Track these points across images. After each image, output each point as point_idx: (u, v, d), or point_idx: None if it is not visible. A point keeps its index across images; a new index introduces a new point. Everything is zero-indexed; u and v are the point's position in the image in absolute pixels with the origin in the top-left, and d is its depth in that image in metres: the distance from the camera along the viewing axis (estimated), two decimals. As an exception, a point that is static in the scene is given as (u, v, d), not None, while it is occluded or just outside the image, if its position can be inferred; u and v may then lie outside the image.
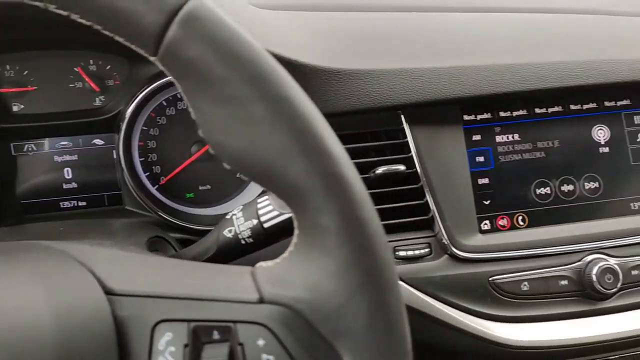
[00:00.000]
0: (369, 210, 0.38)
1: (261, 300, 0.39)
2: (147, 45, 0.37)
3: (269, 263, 0.41)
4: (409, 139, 0.75)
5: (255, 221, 0.56)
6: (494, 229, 0.77)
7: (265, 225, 0.56)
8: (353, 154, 0.75)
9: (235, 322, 0.38)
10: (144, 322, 0.39)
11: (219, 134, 0.38)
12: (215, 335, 0.38)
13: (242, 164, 0.38)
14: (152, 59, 0.38)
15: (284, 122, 0.37)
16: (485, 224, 0.77)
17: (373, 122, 0.76)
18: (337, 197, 0.37)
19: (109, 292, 0.40)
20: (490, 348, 0.72)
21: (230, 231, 0.58)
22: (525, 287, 0.74)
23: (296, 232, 0.40)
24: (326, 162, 0.37)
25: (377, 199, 0.74)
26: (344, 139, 0.75)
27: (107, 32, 0.38)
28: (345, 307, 0.37)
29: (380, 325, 0.38)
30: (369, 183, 0.74)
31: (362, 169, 0.74)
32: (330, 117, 0.72)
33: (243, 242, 0.57)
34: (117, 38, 0.38)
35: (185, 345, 0.38)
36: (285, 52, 0.70)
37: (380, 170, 0.73)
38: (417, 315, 0.72)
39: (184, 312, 0.39)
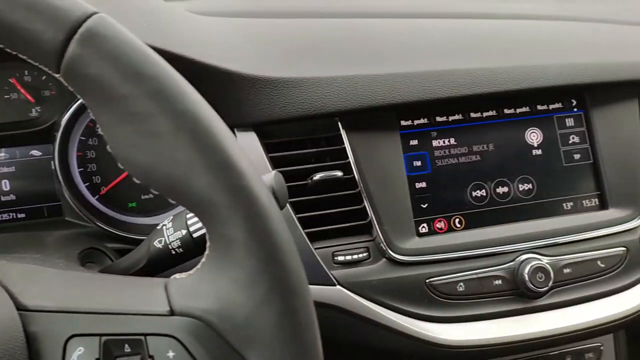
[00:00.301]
0: (275, 221, 0.39)
1: (172, 313, 0.39)
2: (49, 62, 0.37)
3: (183, 275, 0.42)
4: (346, 145, 0.76)
5: (184, 231, 0.57)
6: (432, 232, 0.79)
7: (194, 235, 0.56)
8: (292, 160, 0.76)
9: (146, 334, 0.39)
10: (56, 337, 0.39)
11: (126, 149, 0.38)
12: (127, 348, 0.39)
13: (150, 179, 0.39)
14: (56, 76, 0.38)
15: (187, 137, 0.37)
16: (423, 227, 0.79)
17: (311, 129, 0.77)
18: (241, 209, 0.37)
19: (21, 308, 0.40)
20: (427, 348, 0.74)
21: (160, 242, 0.58)
22: (461, 287, 0.76)
23: (207, 244, 0.41)
24: (230, 175, 0.37)
25: (315, 205, 0.76)
26: (283, 146, 0.76)
27: (10, 50, 0.38)
28: (253, 317, 0.38)
29: (287, 333, 0.38)
30: (308, 189, 0.75)
31: (300, 175, 0.75)
32: (267, 124, 0.74)
33: (173, 252, 0.57)
34: (21, 56, 0.39)
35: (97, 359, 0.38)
36: (219, 61, 0.70)
37: (317, 176, 0.74)
38: (355, 318, 0.73)
39: (95, 327, 0.39)
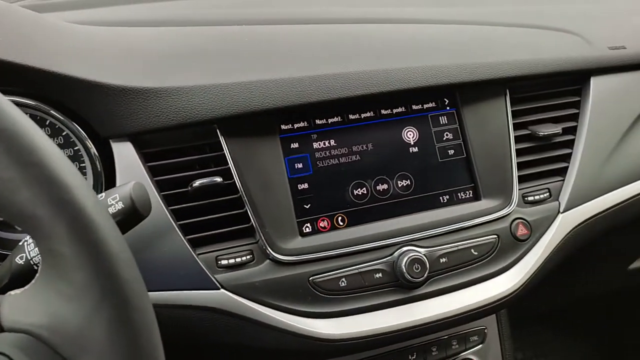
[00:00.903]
0: (103, 232, 0.40)
1: (1, 329, 0.40)
2: None
3: (18, 291, 0.42)
4: (225, 151, 0.77)
5: (44, 246, 0.56)
6: (315, 231, 0.82)
7: (55, 249, 0.56)
8: (171, 169, 0.77)
9: (-24, 352, 0.39)
10: None
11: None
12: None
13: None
14: None
15: (7, 154, 0.38)
16: (307, 227, 0.81)
17: (190, 137, 0.78)
18: (64, 222, 0.38)
19: None
20: (312, 344, 0.77)
21: (22, 258, 0.58)
22: (343, 283, 0.79)
23: (40, 259, 0.41)
24: (51, 190, 0.38)
25: (200, 211, 0.77)
26: (164, 154, 0.77)
27: None
28: (85, 328, 0.39)
29: (122, 341, 0.40)
30: (190, 196, 0.76)
31: (181, 183, 0.76)
32: (143, 134, 0.74)
33: (35, 267, 0.57)
34: None
35: None
36: (86, 72, 0.70)
37: (197, 183, 0.75)
38: (241, 320, 0.75)
39: None
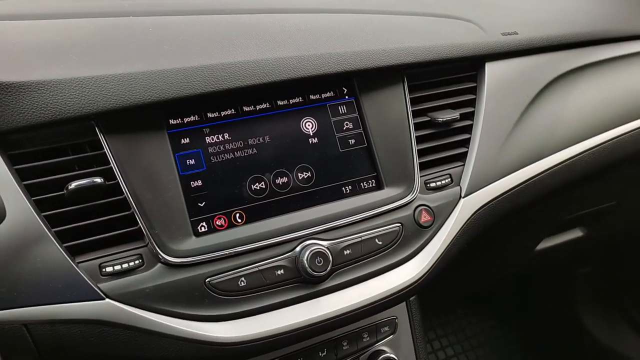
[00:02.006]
0: None
1: None
2: None
3: None
4: (106, 149, 0.72)
5: None
6: (212, 230, 0.77)
7: None
8: (44, 171, 0.70)
9: None
10: None
11: None
12: None
13: None
14: None
15: None
16: (202, 226, 0.77)
17: (68, 135, 0.71)
18: None
19: None
20: (212, 349, 0.73)
21: None
22: (242, 283, 0.75)
23: None
24: None
25: (78, 215, 0.70)
26: (37, 155, 0.70)
27: None
28: None
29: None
30: (66, 200, 0.70)
31: (57, 186, 0.70)
32: (9, 134, 0.67)
33: None
34: None
35: None
36: None
37: (73, 185, 0.69)
38: (130, 331, 0.69)
39: None
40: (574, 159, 1.04)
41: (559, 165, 1.02)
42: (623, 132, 1.09)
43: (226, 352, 0.73)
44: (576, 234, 1.48)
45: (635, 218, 1.52)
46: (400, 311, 0.97)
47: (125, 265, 0.70)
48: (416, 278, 0.85)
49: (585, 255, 1.86)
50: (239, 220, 0.79)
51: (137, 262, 0.71)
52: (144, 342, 0.70)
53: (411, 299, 0.99)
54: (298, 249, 0.79)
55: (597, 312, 1.91)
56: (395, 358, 0.91)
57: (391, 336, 0.96)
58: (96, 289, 0.68)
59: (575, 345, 1.91)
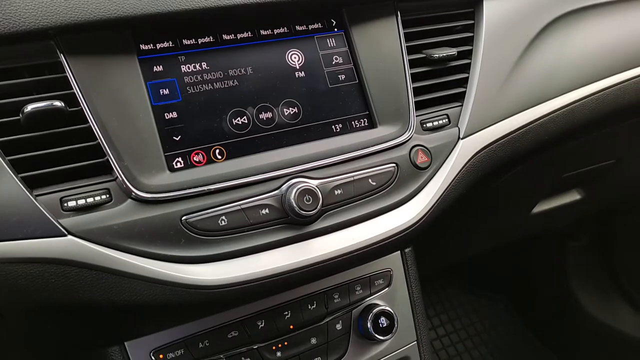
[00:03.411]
0: None
1: None
2: None
3: None
4: (68, 72, 0.64)
5: None
6: (189, 166, 0.70)
7: None
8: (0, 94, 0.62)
9: None
10: None
11: None
12: None
13: None
14: None
15: None
16: (178, 161, 0.69)
17: (23, 55, 0.63)
18: None
19: None
20: (189, 293, 0.65)
21: None
22: (223, 222, 0.68)
23: None
24: None
25: (36, 144, 0.62)
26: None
27: None
28: None
29: None
30: (24, 126, 0.62)
31: (10, 111, 0.62)
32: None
33: None
34: None
35: None
36: None
37: (29, 108, 0.61)
38: (96, 271, 0.62)
39: None
40: (576, 103, 0.98)
41: (561, 110, 0.96)
42: (628, 77, 1.03)
43: (206, 296, 0.66)
44: (573, 197, 1.43)
45: (633, 177, 1.46)
46: (395, 263, 0.91)
47: (90, 200, 0.63)
48: (413, 222, 0.79)
49: (580, 227, 1.81)
50: (219, 157, 0.72)
51: (104, 197, 0.64)
52: (111, 285, 0.63)
53: (407, 250, 0.92)
54: (285, 187, 0.72)
55: (591, 286, 1.87)
56: (391, 311, 0.84)
57: (386, 289, 0.89)
58: (57, 224, 0.60)
59: (568, 320, 1.87)
